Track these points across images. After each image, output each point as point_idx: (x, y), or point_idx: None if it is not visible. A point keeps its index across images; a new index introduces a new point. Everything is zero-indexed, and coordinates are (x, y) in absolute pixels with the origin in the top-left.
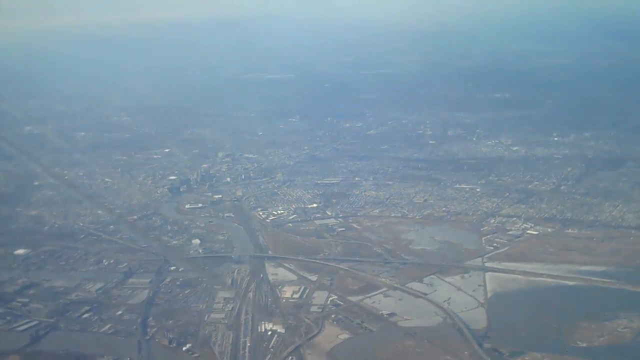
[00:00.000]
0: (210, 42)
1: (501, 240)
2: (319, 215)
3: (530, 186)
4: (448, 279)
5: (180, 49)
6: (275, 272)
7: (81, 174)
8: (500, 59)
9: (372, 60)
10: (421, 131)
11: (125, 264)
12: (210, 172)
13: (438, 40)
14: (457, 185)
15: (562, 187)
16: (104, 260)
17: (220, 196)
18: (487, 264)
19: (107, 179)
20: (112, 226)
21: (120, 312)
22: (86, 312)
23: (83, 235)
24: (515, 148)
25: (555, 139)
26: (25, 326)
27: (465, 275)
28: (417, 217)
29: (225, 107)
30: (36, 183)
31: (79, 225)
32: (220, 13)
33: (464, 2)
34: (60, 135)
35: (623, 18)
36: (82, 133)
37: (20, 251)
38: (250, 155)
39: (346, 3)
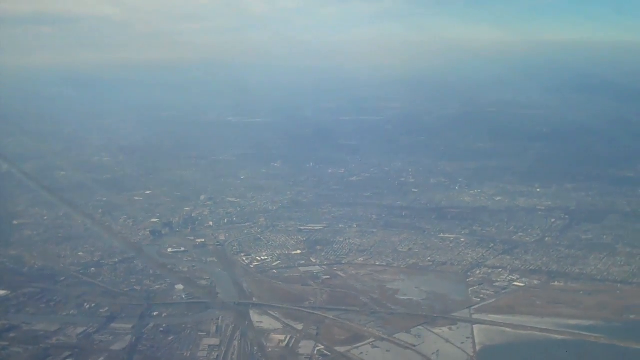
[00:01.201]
0: (191, 84)
1: (488, 292)
2: (303, 262)
3: (514, 237)
4: (436, 330)
5: (162, 90)
6: (260, 320)
7: (61, 214)
8: (480, 108)
9: (354, 106)
10: (404, 179)
11: (107, 308)
12: (193, 215)
13: (418, 89)
14: (442, 235)
15: (546, 239)
16: (85, 304)
17: (203, 240)
18: (475, 316)
19: (87, 220)
20: (93, 268)
21: (102, 359)
22: (67, 357)
23: (63, 278)
24: (498, 198)
25: (538, 190)
26: None
27: (453, 327)
28: (402, 266)
29: (206, 149)
30: (15, 222)
31: (60, 266)
32: (202, 56)
33: (443, 53)
34: (39, 174)
35: (600, 71)
36: (62, 172)
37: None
38: (233, 199)
39: (326, 50)
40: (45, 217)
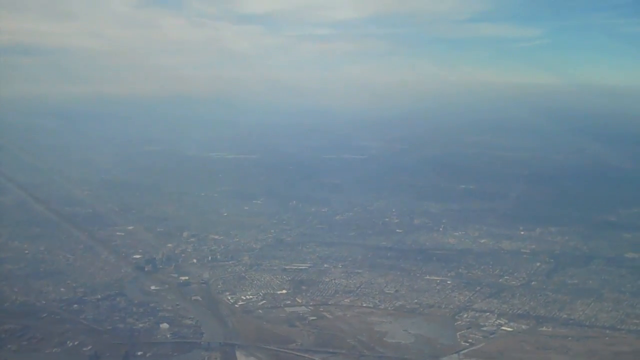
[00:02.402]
0: (173, 118)
1: (476, 336)
2: (289, 302)
3: (500, 280)
4: None
5: (143, 124)
6: None
7: (42, 248)
8: (461, 150)
9: (335, 145)
10: (387, 219)
11: (90, 346)
12: (176, 252)
13: (401, 129)
14: (427, 277)
15: (532, 283)
16: (68, 342)
17: (187, 278)
18: None
19: (68, 255)
20: (75, 305)
21: None
22: None
23: (45, 314)
24: (482, 240)
25: (522, 232)
26: None
27: None
28: (389, 308)
29: (188, 185)
30: None
31: (42, 302)
32: (184, 90)
33: (423, 94)
34: (20, 207)
35: (580, 113)
36: (43, 206)
37: None
38: (216, 237)
39: (308, 88)
40: (26, 251)
